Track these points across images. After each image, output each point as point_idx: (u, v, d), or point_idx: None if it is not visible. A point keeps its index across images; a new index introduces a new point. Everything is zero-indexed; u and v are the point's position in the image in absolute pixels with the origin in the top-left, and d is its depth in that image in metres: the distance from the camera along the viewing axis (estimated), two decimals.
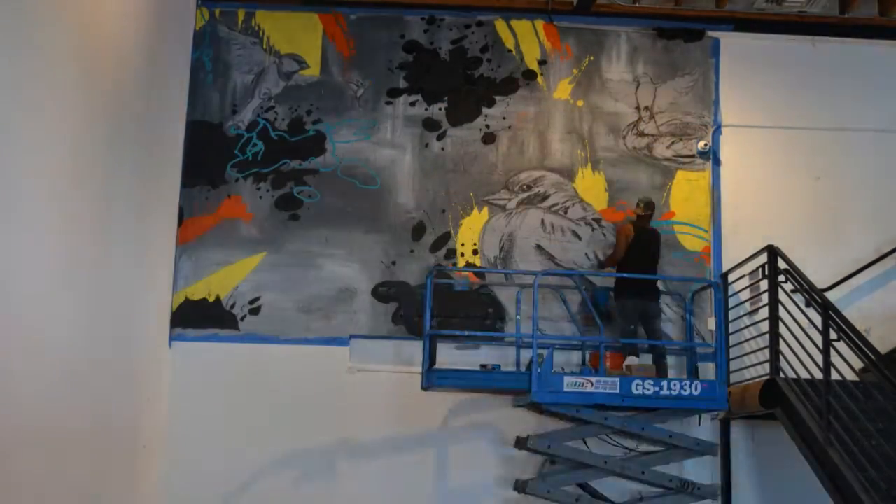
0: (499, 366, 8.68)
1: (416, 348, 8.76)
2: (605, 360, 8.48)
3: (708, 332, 9.20)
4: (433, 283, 8.56)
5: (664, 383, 8.17)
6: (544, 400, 8.12)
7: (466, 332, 8.73)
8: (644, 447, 8.68)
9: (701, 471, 8.92)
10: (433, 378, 8.31)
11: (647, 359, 8.75)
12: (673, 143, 9.62)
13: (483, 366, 8.64)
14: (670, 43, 9.81)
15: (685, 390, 8.16)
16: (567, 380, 8.13)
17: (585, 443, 8.61)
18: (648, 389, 8.12)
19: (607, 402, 8.13)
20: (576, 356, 9.06)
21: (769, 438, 8.82)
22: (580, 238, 9.39)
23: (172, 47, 9.00)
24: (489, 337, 9.00)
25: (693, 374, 8.76)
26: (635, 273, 8.72)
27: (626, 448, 8.69)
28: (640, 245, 8.86)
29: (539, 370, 8.08)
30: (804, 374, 7.66)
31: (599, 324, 8.49)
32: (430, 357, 8.39)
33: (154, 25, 8.23)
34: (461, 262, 9.30)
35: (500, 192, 9.48)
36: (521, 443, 8.42)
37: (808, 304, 7.70)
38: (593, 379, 8.16)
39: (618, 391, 8.10)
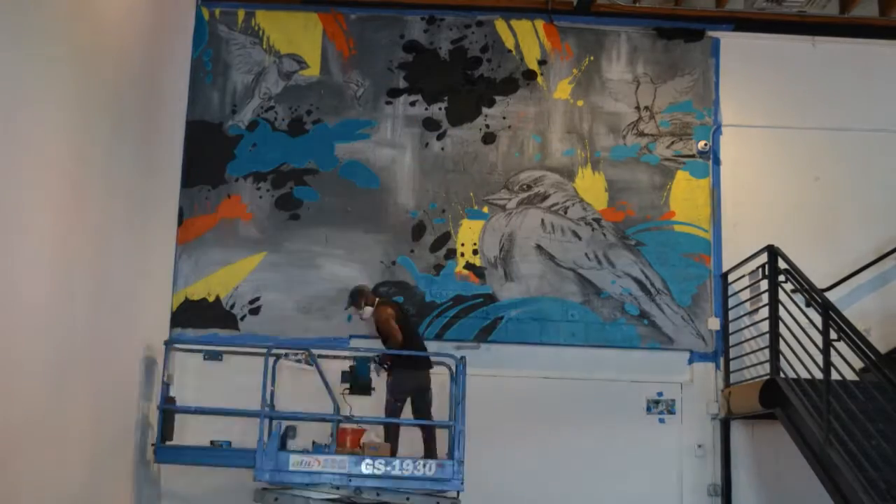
0: (229, 442, 8.29)
1: None
2: (346, 437, 8.04)
3: (708, 333, 9.21)
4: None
5: (396, 463, 7.76)
6: (266, 479, 7.72)
7: (194, 407, 8.37)
8: None
9: (701, 471, 8.94)
10: (162, 455, 8.02)
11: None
12: (673, 142, 9.62)
13: (212, 441, 8.28)
14: (670, 43, 9.81)
15: (418, 470, 7.74)
16: (293, 458, 7.72)
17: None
18: (379, 469, 7.72)
19: (334, 482, 7.73)
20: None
21: (769, 438, 8.82)
22: (580, 238, 9.40)
23: (172, 47, 9.00)
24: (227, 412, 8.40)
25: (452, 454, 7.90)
26: (409, 347, 8.22)
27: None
28: (405, 319, 8.47)
29: (264, 448, 7.70)
30: (804, 374, 7.66)
31: (333, 400, 8.16)
32: (163, 432, 8.04)
33: (154, 25, 8.23)
34: (461, 262, 9.30)
35: (500, 191, 9.48)
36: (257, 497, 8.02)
37: (808, 304, 7.71)
38: (321, 458, 7.77)
39: (346, 471, 7.72)
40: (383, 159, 9.51)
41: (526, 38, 9.80)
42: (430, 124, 9.59)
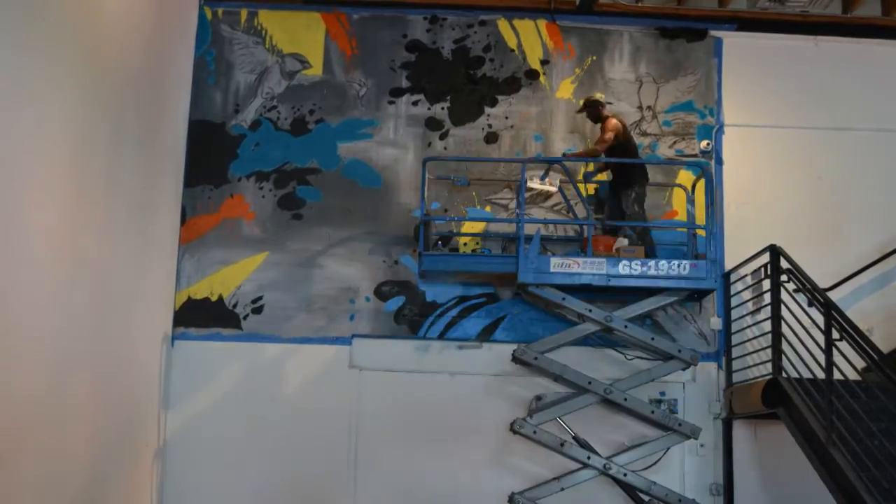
0: (488, 250, 8.70)
1: (417, 348, 8.78)
2: (598, 245, 8.44)
3: (711, 332, 9.21)
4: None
5: (651, 263, 8.13)
6: (530, 280, 8.10)
7: (451, 218, 8.87)
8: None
9: (703, 470, 8.94)
10: (424, 262, 8.36)
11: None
12: (675, 142, 9.62)
13: (474, 249, 8.68)
14: (673, 42, 9.81)
15: (673, 270, 8.10)
16: (553, 260, 8.13)
17: (577, 441, 8.53)
18: (636, 269, 8.08)
19: (594, 282, 8.09)
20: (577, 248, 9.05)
21: (771, 438, 8.82)
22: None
23: (175, 47, 9.01)
24: (481, 219, 9.09)
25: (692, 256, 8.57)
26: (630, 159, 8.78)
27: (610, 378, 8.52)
28: (627, 133, 8.98)
29: (525, 251, 8.03)
30: (806, 374, 7.66)
31: (585, 205, 8.54)
32: (424, 242, 8.44)
33: (157, 25, 8.24)
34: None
35: (502, 191, 9.48)
36: (514, 358, 8.39)
37: (810, 304, 7.70)
38: (580, 259, 8.14)
39: (604, 271, 8.08)
40: (386, 159, 9.52)
41: (528, 37, 9.80)
42: (432, 124, 9.59)
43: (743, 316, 8.97)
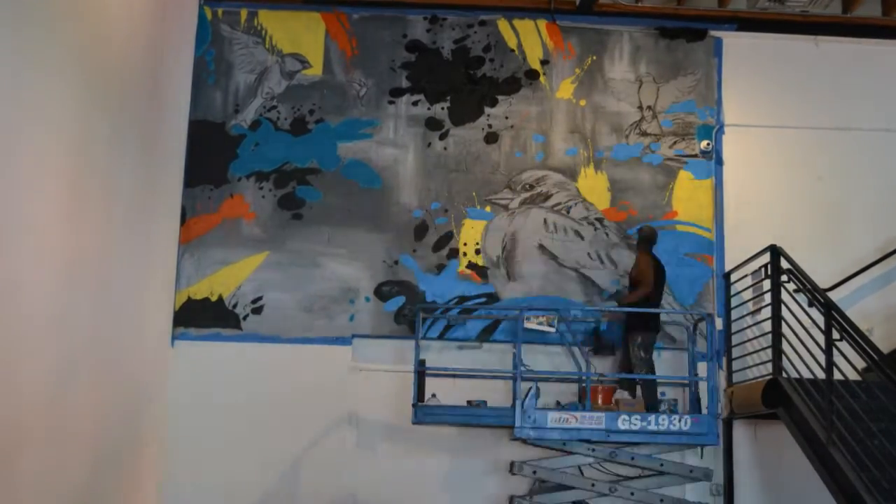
0: (485, 401, 8.53)
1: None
2: (598, 395, 8.40)
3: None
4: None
5: (651, 418, 8.06)
6: (527, 436, 8.09)
7: (448, 368, 8.73)
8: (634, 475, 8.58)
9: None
10: (420, 414, 8.26)
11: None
12: (675, 142, 9.62)
13: (469, 402, 8.53)
14: (673, 42, 9.81)
15: (674, 425, 8.05)
16: (551, 415, 8.08)
17: (581, 469, 8.53)
18: (635, 424, 8.01)
19: (592, 437, 8.07)
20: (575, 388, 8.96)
21: (772, 438, 8.82)
22: (583, 238, 9.40)
23: (175, 47, 9.00)
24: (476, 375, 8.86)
25: (694, 406, 8.47)
26: (655, 305, 8.60)
27: (618, 475, 8.53)
28: (657, 273, 8.71)
29: (523, 406, 8.02)
30: (807, 374, 7.66)
31: (582, 359, 8.47)
32: (419, 392, 8.31)
33: (157, 25, 8.23)
34: (464, 262, 9.30)
35: (502, 191, 9.48)
36: (512, 468, 8.40)
37: (810, 304, 7.70)
38: (577, 414, 8.09)
39: (603, 426, 8.04)
40: (386, 159, 9.51)
41: (528, 37, 9.80)
42: (432, 124, 9.59)
43: (743, 316, 8.97)
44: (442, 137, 9.57)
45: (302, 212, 9.36)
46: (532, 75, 9.73)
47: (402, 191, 9.44)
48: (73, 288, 6.41)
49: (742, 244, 9.08)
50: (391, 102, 9.62)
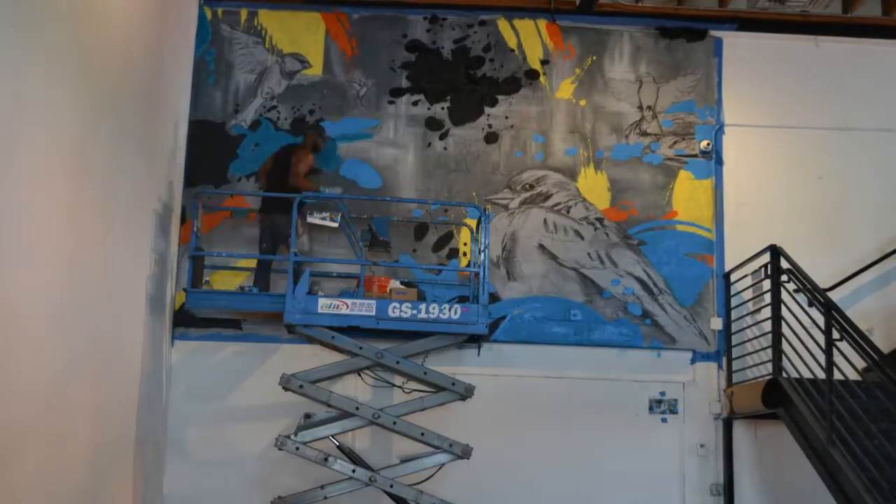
0: (257, 287, 8.52)
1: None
2: (372, 285, 8.32)
3: (711, 332, 9.21)
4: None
5: (422, 306, 7.98)
6: (296, 321, 7.97)
7: (223, 253, 8.84)
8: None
9: (704, 471, 8.94)
10: (189, 299, 8.21)
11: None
12: (675, 142, 9.62)
13: (241, 287, 8.57)
14: (673, 42, 9.81)
15: (444, 314, 7.95)
16: (322, 301, 7.96)
17: (344, 452, 8.38)
18: (406, 312, 7.94)
19: (362, 324, 7.95)
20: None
21: (771, 438, 8.83)
22: (583, 237, 9.40)
23: (175, 46, 9.00)
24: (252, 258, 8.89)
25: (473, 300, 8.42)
26: None
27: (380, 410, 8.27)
28: None
29: (294, 292, 7.91)
30: (807, 374, 7.66)
31: (359, 247, 8.53)
32: (194, 277, 8.29)
33: (157, 25, 8.23)
34: (463, 262, 9.30)
35: (502, 191, 9.48)
36: (281, 380, 8.16)
37: (810, 304, 7.70)
38: (349, 301, 7.98)
39: (373, 313, 7.95)
40: (386, 159, 9.51)
41: (528, 37, 9.80)
42: (432, 124, 9.59)
43: (743, 316, 8.97)
44: (442, 137, 9.57)
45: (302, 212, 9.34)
46: (532, 75, 9.73)
47: (402, 191, 9.44)
48: (73, 288, 6.41)
49: (742, 244, 9.08)
50: (391, 102, 9.62)
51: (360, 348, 8.14)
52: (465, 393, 8.19)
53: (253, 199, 9.28)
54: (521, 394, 9.02)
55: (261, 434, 8.83)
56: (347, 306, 7.96)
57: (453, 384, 8.21)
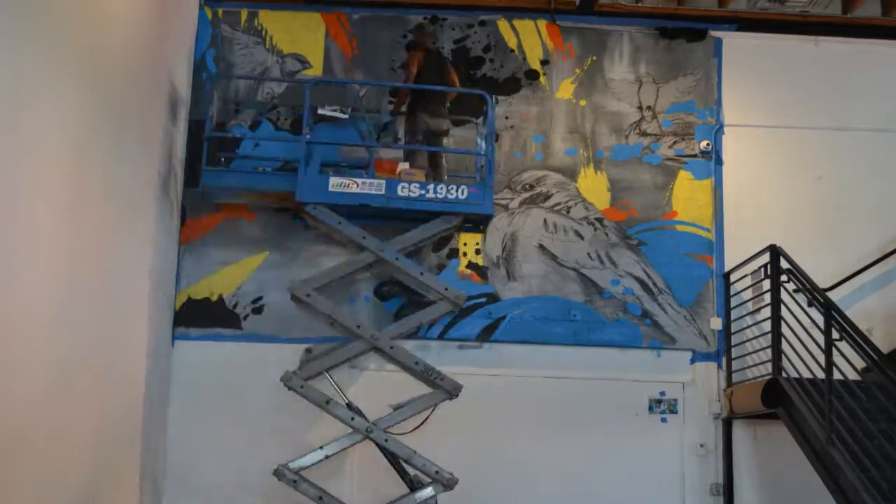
0: (268, 169, 8.68)
1: (418, 348, 8.78)
2: (382, 168, 8.51)
3: (710, 332, 9.22)
4: None
5: (430, 186, 8.20)
6: (308, 198, 8.12)
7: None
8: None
9: (703, 470, 8.95)
10: (205, 178, 8.36)
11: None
12: (675, 142, 9.62)
13: (255, 168, 8.70)
14: (673, 43, 9.81)
15: (451, 194, 8.18)
16: (333, 180, 8.14)
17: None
18: (414, 192, 8.14)
19: (372, 202, 8.13)
20: None
21: (771, 438, 8.82)
22: (583, 238, 9.40)
23: (175, 47, 9.00)
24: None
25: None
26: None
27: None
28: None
29: (306, 171, 8.03)
30: (806, 374, 7.67)
31: (368, 129, 8.66)
32: (208, 158, 8.43)
33: (157, 25, 8.23)
34: (464, 262, 9.30)
35: (502, 191, 9.49)
36: (292, 297, 8.28)
37: (810, 304, 7.71)
38: (359, 180, 8.16)
39: (383, 192, 8.12)
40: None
41: (528, 37, 9.80)
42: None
43: (743, 316, 8.98)
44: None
45: None
46: (532, 75, 9.73)
47: None
48: (73, 288, 6.42)
49: (742, 244, 9.08)
50: (391, 103, 9.62)
51: (364, 238, 8.30)
52: (455, 300, 8.28)
53: (253, 202, 9.29)
54: (521, 394, 9.02)
55: (260, 434, 8.83)
56: (358, 185, 8.11)
57: (446, 289, 8.34)
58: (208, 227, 9.28)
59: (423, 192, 8.13)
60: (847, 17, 9.76)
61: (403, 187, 8.15)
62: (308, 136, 8.32)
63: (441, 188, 8.19)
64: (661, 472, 8.95)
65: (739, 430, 9.01)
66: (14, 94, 5.39)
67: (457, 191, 8.21)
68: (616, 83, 9.75)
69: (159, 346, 8.62)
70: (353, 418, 8.11)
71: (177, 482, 8.74)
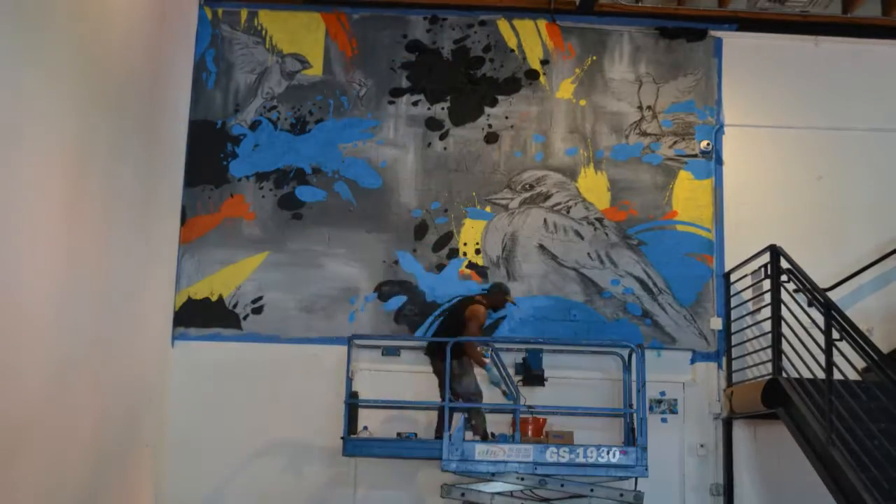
0: (414, 433, 8.54)
1: (417, 348, 8.80)
2: (528, 426, 8.30)
3: (711, 332, 9.21)
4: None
5: (580, 450, 7.92)
6: (454, 469, 7.91)
7: (379, 400, 8.63)
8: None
9: (704, 470, 8.95)
10: (350, 447, 8.19)
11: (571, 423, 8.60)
12: (675, 142, 9.62)
13: (399, 434, 8.53)
14: (673, 42, 9.81)
15: (603, 458, 7.91)
16: (479, 448, 7.91)
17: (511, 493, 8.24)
18: (563, 457, 7.89)
19: (520, 470, 7.91)
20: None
21: (771, 438, 8.82)
22: (583, 238, 9.40)
23: (175, 47, 9.01)
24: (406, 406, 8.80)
25: (628, 438, 8.31)
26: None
27: (548, 500, 8.21)
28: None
29: (450, 438, 7.88)
30: (806, 374, 7.66)
31: (511, 391, 8.34)
32: (349, 425, 8.24)
33: (157, 25, 8.24)
34: (464, 262, 9.29)
35: (502, 191, 9.49)
36: (442, 491, 8.14)
37: (810, 304, 7.70)
38: (506, 447, 7.95)
39: (531, 460, 7.89)
40: (386, 159, 9.51)
41: (528, 37, 9.80)
42: (432, 124, 9.59)
43: (743, 316, 8.97)
44: (442, 137, 9.58)
45: (302, 212, 9.36)
46: (532, 75, 9.73)
47: (403, 191, 9.44)
48: (73, 288, 6.42)
49: (742, 244, 9.07)
50: (391, 102, 9.63)
51: (523, 479, 7.97)
52: (635, 501, 8.07)
53: (253, 202, 9.30)
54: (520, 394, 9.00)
55: (260, 434, 8.83)
56: (505, 452, 7.94)
57: (621, 495, 8.00)
58: (208, 228, 9.28)
59: (572, 456, 7.87)
60: (847, 16, 9.76)
61: (552, 453, 7.90)
62: (450, 399, 8.09)
63: (591, 452, 7.92)
64: (661, 472, 8.91)
65: (739, 430, 9.01)
66: (14, 94, 5.40)
67: (608, 454, 7.92)
68: (616, 83, 9.74)
69: (159, 345, 8.63)
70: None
71: (176, 482, 8.73)
